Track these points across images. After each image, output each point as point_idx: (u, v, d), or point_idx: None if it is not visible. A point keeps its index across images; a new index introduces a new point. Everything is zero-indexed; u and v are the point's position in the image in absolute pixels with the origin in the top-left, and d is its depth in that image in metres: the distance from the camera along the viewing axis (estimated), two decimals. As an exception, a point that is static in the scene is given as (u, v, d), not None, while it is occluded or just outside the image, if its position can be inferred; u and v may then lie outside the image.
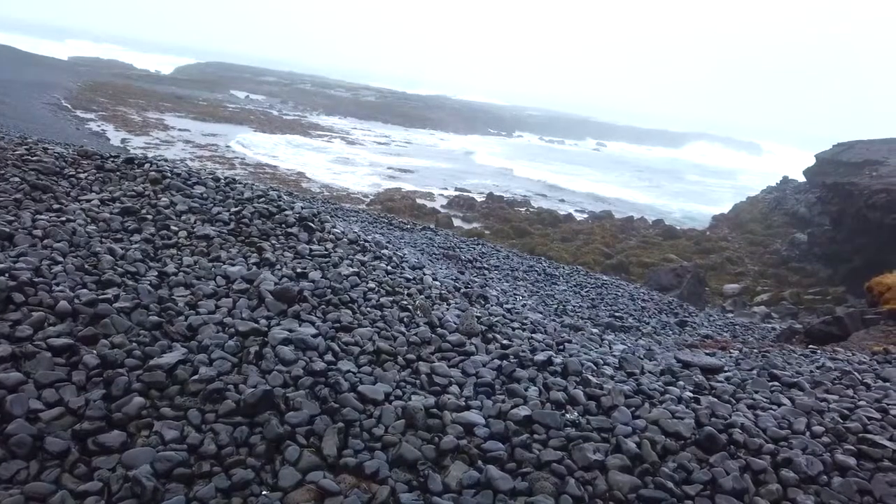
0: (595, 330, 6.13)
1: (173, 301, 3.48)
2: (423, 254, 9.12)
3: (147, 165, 5.53)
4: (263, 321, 3.42)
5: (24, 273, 3.23)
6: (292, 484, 2.39)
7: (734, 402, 3.47)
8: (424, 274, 5.17)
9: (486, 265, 10.05)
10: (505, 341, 3.89)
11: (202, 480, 2.35)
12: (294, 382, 2.91)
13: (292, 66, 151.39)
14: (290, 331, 3.32)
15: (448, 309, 4.41)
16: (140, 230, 4.40)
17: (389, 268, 4.87)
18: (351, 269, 4.43)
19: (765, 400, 3.56)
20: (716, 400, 3.42)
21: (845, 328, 7.08)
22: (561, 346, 4.19)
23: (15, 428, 2.36)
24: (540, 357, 3.61)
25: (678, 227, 29.54)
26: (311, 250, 4.70)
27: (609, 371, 3.72)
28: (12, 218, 4.04)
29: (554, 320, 6.38)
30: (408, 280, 4.75)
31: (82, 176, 5.15)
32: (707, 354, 4.90)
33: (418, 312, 4.08)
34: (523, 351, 3.72)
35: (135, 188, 5.05)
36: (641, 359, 4.21)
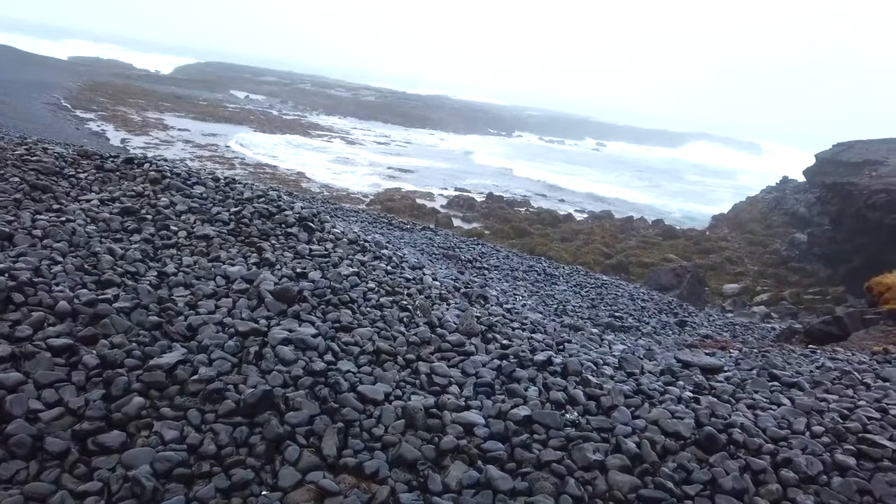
0: (595, 330, 6.13)
1: (173, 301, 3.48)
2: (422, 254, 9.12)
3: (147, 165, 5.52)
4: (263, 321, 3.42)
5: (24, 273, 3.23)
6: (292, 484, 2.39)
7: (734, 401, 3.47)
8: (424, 274, 5.17)
9: (485, 265, 10.05)
10: (505, 341, 3.89)
11: (202, 480, 2.35)
12: (294, 382, 2.91)
13: (292, 66, 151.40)
14: (290, 331, 3.32)
15: (448, 309, 4.41)
16: (140, 230, 4.40)
17: (389, 268, 4.87)
18: (351, 269, 4.43)
19: (764, 400, 3.56)
20: (715, 400, 3.42)
21: (845, 328, 7.09)
22: (561, 346, 4.19)
23: (14, 428, 2.36)
24: (540, 357, 3.61)
25: (678, 227, 29.55)
26: (310, 250, 4.70)
27: (609, 371, 3.72)
28: (12, 218, 4.04)
29: (554, 320, 6.38)
30: (407, 280, 4.75)
31: (82, 176, 5.15)
32: (707, 354, 4.90)
33: (418, 312, 4.08)
34: (523, 351, 3.72)
35: (134, 188, 5.05)
36: (641, 359, 4.21)
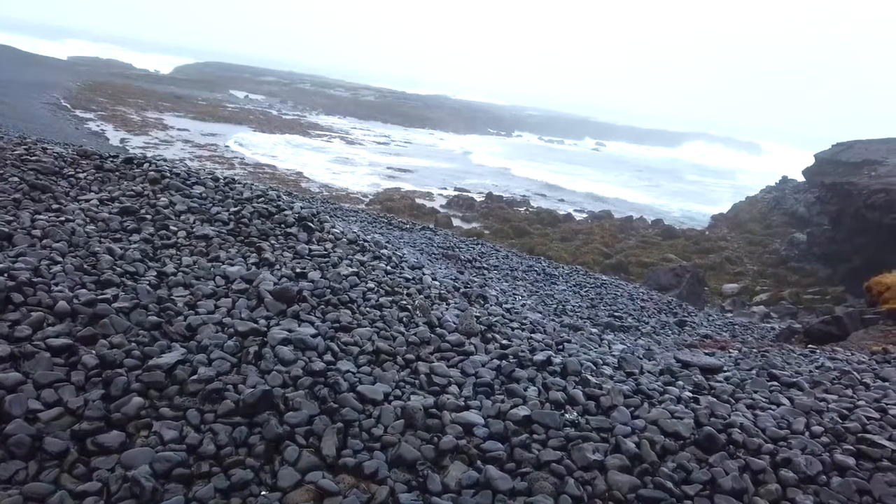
0: (594, 330, 6.13)
1: (172, 301, 3.48)
2: (422, 254, 9.12)
3: (146, 165, 5.52)
4: (263, 321, 3.42)
5: (23, 273, 3.23)
6: (291, 484, 2.39)
7: (733, 401, 3.48)
8: (424, 274, 5.17)
9: (485, 265, 10.05)
10: (504, 341, 3.89)
11: (201, 481, 2.35)
12: (293, 382, 2.91)
13: (292, 66, 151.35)
14: (290, 331, 3.32)
15: (447, 309, 4.41)
16: (139, 230, 4.40)
17: (389, 268, 4.87)
18: (350, 269, 4.43)
19: (764, 400, 3.56)
20: (715, 400, 3.42)
21: (844, 328, 7.09)
22: (560, 346, 4.19)
23: (14, 428, 2.36)
24: (539, 357, 3.61)
25: (677, 227, 29.54)
26: (310, 250, 4.69)
27: (608, 371, 3.72)
28: (11, 218, 4.03)
29: (553, 320, 6.38)
30: (407, 280, 4.75)
31: (81, 176, 5.15)
32: (706, 354, 4.90)
33: (417, 312, 4.08)
34: (522, 351, 3.72)
35: (134, 188, 5.05)
36: (641, 359, 4.21)
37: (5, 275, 3.15)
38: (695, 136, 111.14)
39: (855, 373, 4.21)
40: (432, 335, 3.72)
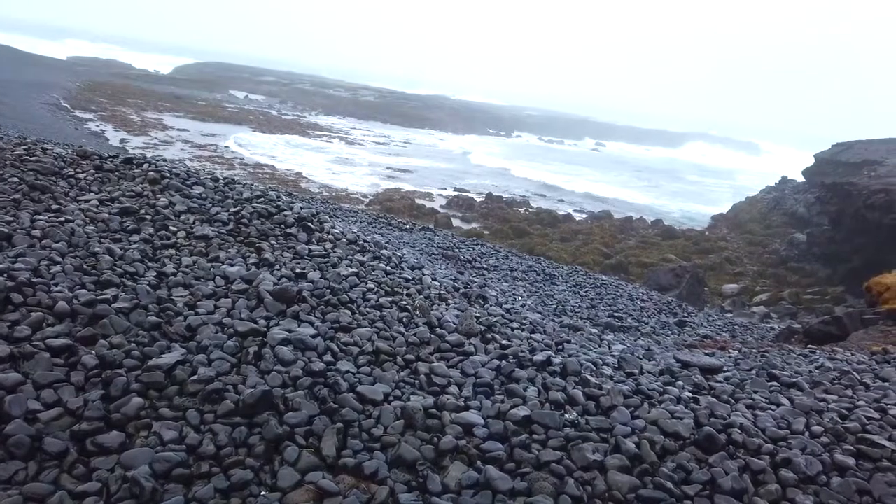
0: (594, 330, 6.13)
1: (172, 301, 3.48)
2: (422, 254, 9.12)
3: (146, 165, 5.52)
4: (262, 321, 3.42)
5: (23, 273, 3.23)
6: (291, 484, 2.39)
7: (733, 402, 3.48)
8: (423, 274, 5.17)
9: (485, 265, 10.06)
10: (504, 341, 3.89)
11: (201, 481, 2.35)
12: (293, 383, 2.91)
13: (291, 66, 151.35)
14: (289, 331, 3.31)
15: (447, 309, 4.41)
16: (139, 230, 4.39)
17: (388, 268, 4.87)
18: (350, 270, 4.43)
19: (764, 400, 3.56)
20: (715, 400, 3.42)
21: (844, 328, 7.09)
22: (560, 347, 4.19)
23: (13, 428, 2.35)
24: (539, 357, 3.61)
25: (677, 227, 29.55)
26: (310, 250, 4.69)
27: (608, 371, 3.72)
28: (11, 218, 4.03)
29: (553, 320, 6.39)
30: (407, 280, 4.75)
31: (81, 176, 5.15)
32: (706, 354, 4.90)
33: (417, 313, 4.08)
34: (522, 351, 3.72)
35: (133, 188, 5.05)
36: (640, 359, 4.21)
37: (5, 275, 3.15)
38: (695, 137, 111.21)
39: (855, 373, 4.21)
40: (432, 335, 3.72)
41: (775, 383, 3.90)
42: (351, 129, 57.24)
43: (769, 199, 35.34)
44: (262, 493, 2.34)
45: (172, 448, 2.43)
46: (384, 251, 5.35)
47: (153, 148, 29.87)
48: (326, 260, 4.60)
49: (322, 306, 3.80)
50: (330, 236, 5.13)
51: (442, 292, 4.82)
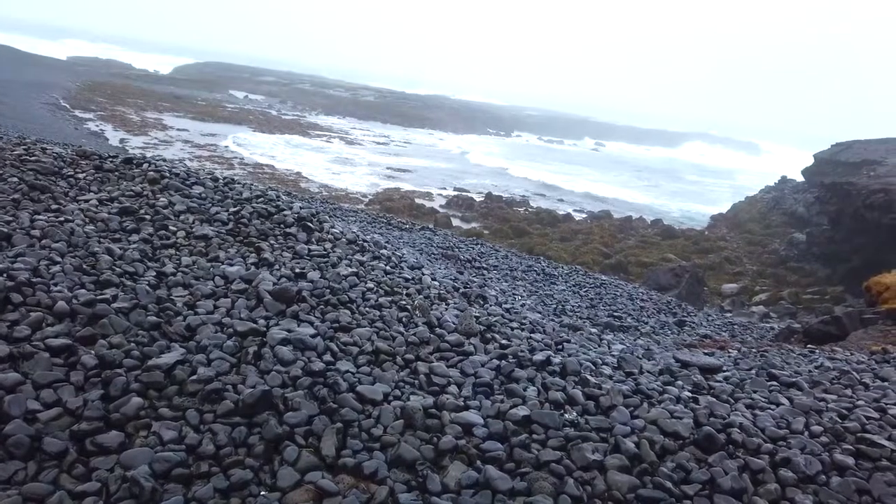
0: (594, 330, 6.13)
1: (172, 301, 3.48)
2: (421, 254, 9.12)
3: (145, 165, 5.52)
4: (262, 321, 3.42)
5: (23, 273, 3.23)
6: (291, 484, 2.39)
7: (733, 401, 3.48)
8: (423, 274, 5.17)
9: (484, 265, 10.06)
10: (504, 341, 3.89)
11: (200, 481, 2.35)
12: (293, 383, 2.91)
13: (291, 66, 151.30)
14: (289, 331, 3.31)
15: (447, 309, 4.41)
16: (138, 230, 4.39)
17: (388, 268, 4.87)
18: (349, 269, 4.43)
19: (763, 399, 3.56)
20: (714, 400, 3.42)
21: (843, 328, 7.09)
22: (560, 346, 4.19)
23: (13, 428, 2.35)
24: (539, 357, 3.61)
25: (677, 227, 29.56)
26: (309, 250, 4.69)
27: (608, 371, 3.72)
28: (10, 218, 4.03)
29: (553, 320, 6.39)
30: (406, 280, 4.75)
31: (80, 176, 5.15)
32: (706, 354, 4.90)
33: (417, 312, 4.08)
34: (522, 351, 3.72)
35: (133, 188, 5.05)
36: (640, 358, 4.21)
37: (4, 275, 3.15)
38: (694, 137, 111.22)
39: (854, 373, 4.21)
40: (432, 335, 3.72)
41: (775, 383, 3.90)
42: (351, 129, 57.22)
43: (769, 198, 35.35)
44: (262, 492, 2.34)
45: (172, 448, 2.43)
46: (384, 251, 5.35)
47: (153, 148, 29.86)
48: (326, 260, 4.60)
49: (321, 306, 3.80)
50: (329, 236, 5.13)
51: (441, 292, 4.82)
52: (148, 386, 2.71)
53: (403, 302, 4.20)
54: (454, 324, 4.00)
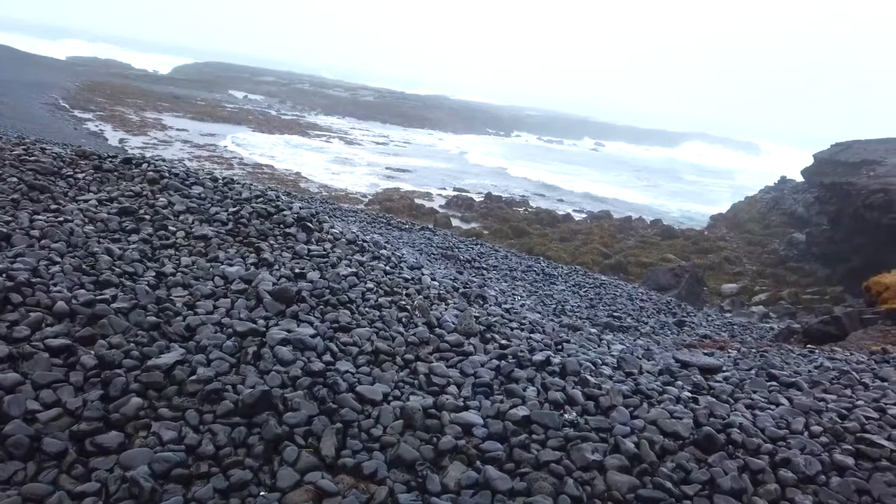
0: (593, 330, 6.13)
1: (171, 301, 3.48)
2: (421, 254, 9.12)
3: (145, 165, 5.52)
4: (261, 321, 3.42)
5: (22, 273, 3.23)
6: (290, 484, 2.39)
7: (732, 401, 3.48)
8: (423, 274, 5.17)
9: (484, 265, 10.05)
10: (503, 341, 3.89)
11: (200, 481, 2.35)
12: (292, 383, 2.91)
13: (291, 66, 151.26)
14: (289, 331, 3.31)
15: (446, 309, 4.41)
16: (138, 230, 4.39)
17: (388, 268, 4.87)
18: (349, 270, 4.43)
19: (763, 400, 3.56)
20: (714, 400, 3.42)
21: (843, 328, 7.09)
22: (559, 346, 4.20)
23: (12, 429, 2.35)
24: (538, 357, 3.61)
25: (676, 227, 29.56)
26: (309, 250, 4.69)
27: (607, 371, 3.72)
28: (10, 218, 4.03)
29: (552, 320, 6.39)
30: (406, 280, 4.75)
31: (80, 176, 5.14)
32: (705, 354, 4.90)
33: (417, 312, 4.08)
34: (522, 351, 3.72)
35: (132, 188, 5.05)
36: (640, 359, 4.21)
37: (4, 275, 3.15)
38: (694, 137, 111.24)
39: (854, 373, 4.21)
40: (431, 335, 3.71)
41: (774, 383, 3.90)
42: (350, 129, 57.21)
43: (768, 198, 35.36)
44: (262, 493, 2.34)
45: (171, 448, 2.43)
46: (383, 251, 5.35)
47: (152, 148, 29.85)
48: (325, 260, 4.60)
49: (321, 306, 3.80)
50: (329, 236, 5.13)
51: (441, 292, 4.82)
52: (147, 386, 2.71)
53: (403, 302, 4.20)
54: (454, 324, 4.00)
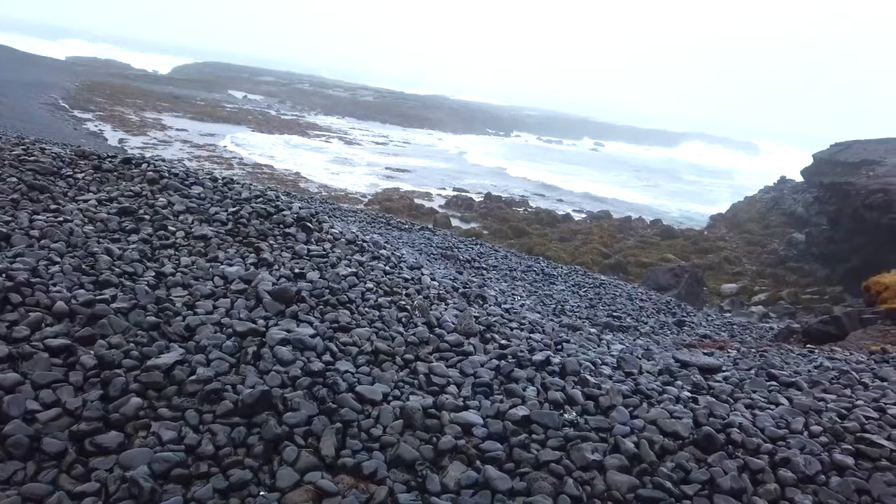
0: (593, 330, 6.13)
1: (171, 301, 3.48)
2: (421, 254, 9.12)
3: (144, 165, 5.52)
4: (261, 321, 3.42)
5: (22, 273, 3.23)
6: (290, 484, 2.38)
7: (732, 401, 3.48)
8: (423, 274, 5.17)
9: (484, 265, 10.06)
10: (503, 341, 3.89)
11: (200, 481, 2.34)
12: (292, 383, 2.90)
13: (290, 66, 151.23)
14: (288, 331, 3.31)
15: (446, 309, 4.41)
16: (137, 230, 4.39)
17: (387, 268, 4.87)
18: (349, 270, 4.43)
19: (763, 399, 3.56)
20: (714, 399, 3.42)
21: (843, 328, 7.10)
22: (559, 346, 4.20)
23: (12, 429, 2.35)
24: (538, 357, 3.61)
25: (676, 227, 29.57)
26: (308, 250, 4.69)
27: (607, 371, 3.72)
28: (9, 218, 4.03)
29: (552, 320, 6.39)
30: (406, 280, 4.74)
31: (80, 176, 5.14)
32: (705, 354, 4.90)
33: (416, 312, 4.08)
34: (521, 351, 3.72)
35: (132, 188, 5.04)
36: (639, 358, 4.21)
37: (3, 275, 3.14)
38: (693, 137, 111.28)
39: (853, 372, 4.21)
40: (431, 335, 3.71)
41: (774, 383, 3.90)
42: (350, 129, 57.20)
43: (768, 198, 35.38)
44: (261, 493, 2.34)
45: (171, 448, 2.43)
46: (383, 251, 5.35)
47: (152, 148, 29.85)
48: (325, 260, 4.60)
49: (321, 306, 3.79)
50: (329, 236, 5.12)
51: (441, 292, 4.82)
52: (147, 386, 2.71)
53: (403, 302, 4.20)
54: (453, 324, 4.00)
